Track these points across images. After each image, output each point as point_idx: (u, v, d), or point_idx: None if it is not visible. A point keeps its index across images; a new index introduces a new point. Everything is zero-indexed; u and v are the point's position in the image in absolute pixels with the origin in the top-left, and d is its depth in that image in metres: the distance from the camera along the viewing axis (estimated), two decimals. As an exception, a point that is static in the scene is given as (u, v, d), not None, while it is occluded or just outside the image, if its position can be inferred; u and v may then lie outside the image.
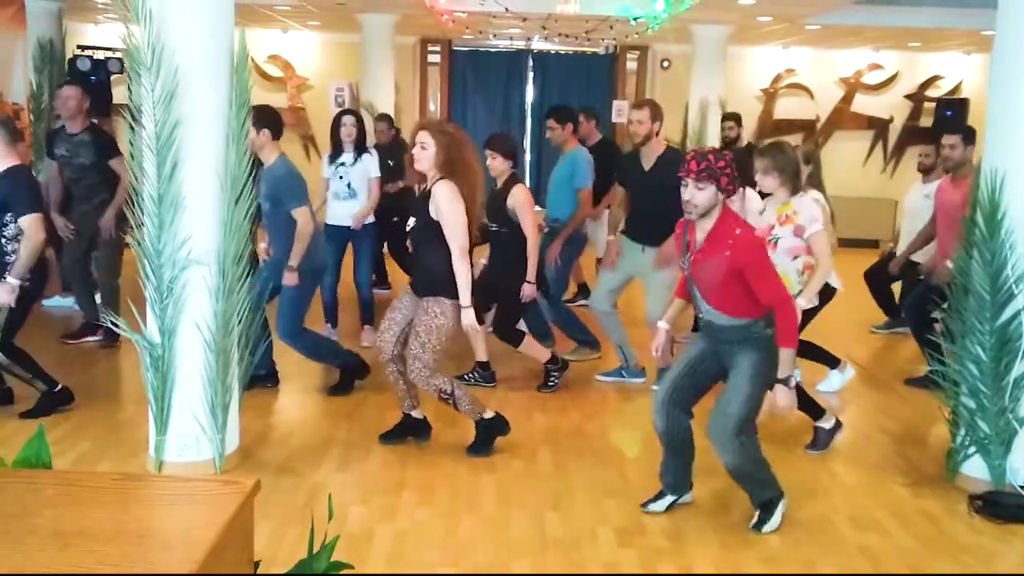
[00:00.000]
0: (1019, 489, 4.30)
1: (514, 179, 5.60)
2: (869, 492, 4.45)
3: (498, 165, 5.53)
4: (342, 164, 6.45)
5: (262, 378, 5.53)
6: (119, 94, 10.90)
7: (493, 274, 5.70)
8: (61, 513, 1.76)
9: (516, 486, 4.32)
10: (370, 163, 6.48)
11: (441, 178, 4.40)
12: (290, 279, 5.22)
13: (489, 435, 4.72)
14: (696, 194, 3.69)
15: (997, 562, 3.81)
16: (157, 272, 4.10)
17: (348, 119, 6.48)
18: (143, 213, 4.12)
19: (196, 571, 1.51)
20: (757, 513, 3.98)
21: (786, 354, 3.75)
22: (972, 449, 4.44)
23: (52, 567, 1.55)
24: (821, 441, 4.93)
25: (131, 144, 4.11)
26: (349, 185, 6.45)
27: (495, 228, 5.63)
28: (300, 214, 5.21)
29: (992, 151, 4.38)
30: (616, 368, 6.04)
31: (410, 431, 4.83)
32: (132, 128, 4.09)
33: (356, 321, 6.84)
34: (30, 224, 4.73)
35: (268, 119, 5.25)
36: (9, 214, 4.80)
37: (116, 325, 4.25)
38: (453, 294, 4.43)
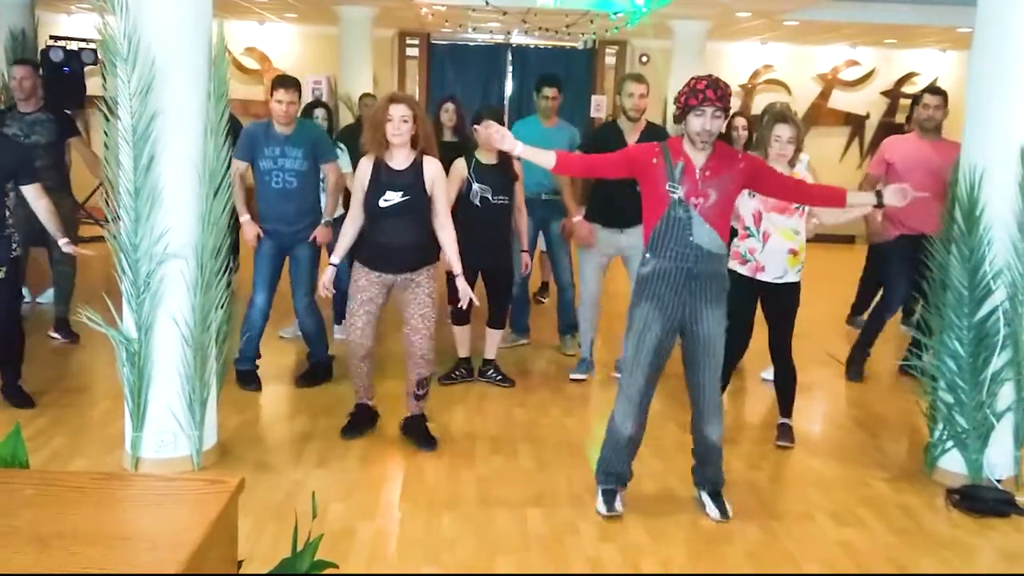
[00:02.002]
0: (996, 483, 4.34)
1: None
2: (848, 486, 4.47)
3: None
4: None
5: (317, 369, 5.64)
6: (92, 85, 10.80)
7: (489, 248, 5.48)
8: (40, 514, 1.71)
9: (497, 482, 4.30)
10: (341, 158, 6.41)
11: (422, 152, 4.49)
12: (326, 235, 5.39)
13: (426, 428, 4.76)
14: (714, 123, 3.72)
15: (975, 556, 3.84)
16: (134, 266, 4.05)
17: (319, 112, 6.44)
18: (119, 206, 4.06)
19: (181, 571, 1.48)
20: (712, 500, 4.00)
21: (855, 198, 4.07)
22: (950, 444, 4.47)
23: (33, 570, 1.51)
24: (789, 435, 4.96)
25: (106, 136, 4.05)
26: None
27: (502, 201, 5.46)
28: (332, 169, 5.52)
29: (970, 147, 4.41)
30: (583, 362, 6.03)
31: (367, 421, 4.84)
32: (107, 120, 4.03)
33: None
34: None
35: (299, 86, 5.46)
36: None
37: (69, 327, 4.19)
38: (435, 260, 4.62)
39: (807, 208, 4.71)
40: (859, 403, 5.82)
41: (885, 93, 13.31)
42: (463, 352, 5.81)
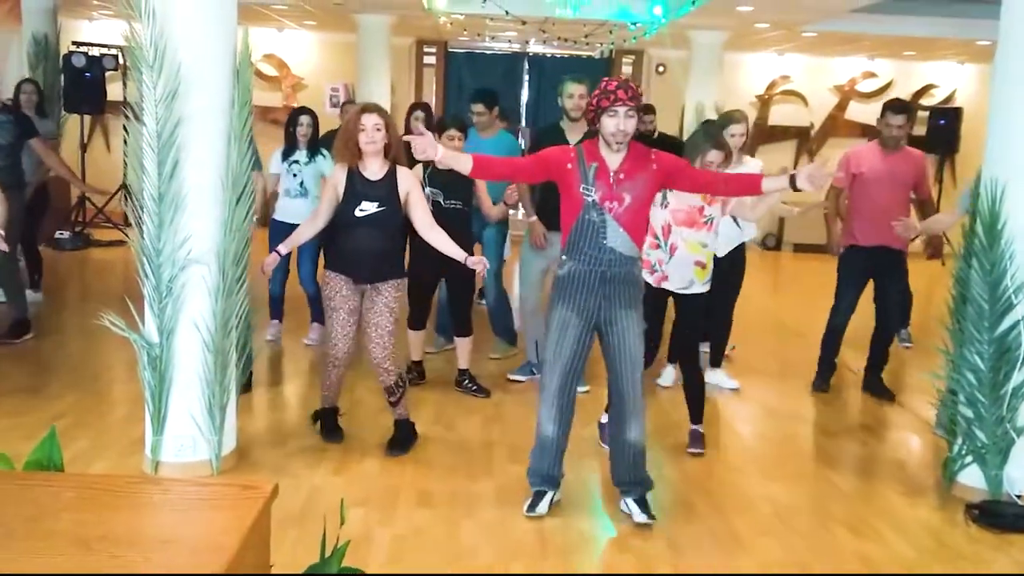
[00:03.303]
0: (1016, 499, 4.31)
1: None
2: (865, 500, 4.46)
3: (460, 147, 5.42)
4: (295, 162, 6.44)
5: None
6: (113, 91, 10.89)
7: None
8: (81, 517, 1.73)
9: (514, 491, 4.30)
10: (324, 165, 6.46)
11: (394, 161, 4.53)
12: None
13: (411, 435, 4.79)
14: (628, 122, 3.73)
15: (994, 571, 3.82)
16: (156, 271, 4.08)
17: (305, 119, 6.47)
18: (143, 211, 4.09)
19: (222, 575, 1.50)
20: (636, 504, 3.98)
21: (769, 183, 3.95)
22: (969, 458, 4.45)
23: (75, 572, 1.52)
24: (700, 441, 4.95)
25: (125, 143, 4.09)
26: (302, 183, 6.44)
27: (454, 205, 5.45)
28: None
29: (992, 161, 4.39)
30: (526, 364, 6.05)
31: (336, 418, 4.89)
32: (125, 125, 4.06)
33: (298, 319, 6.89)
34: None
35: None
36: None
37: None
38: (402, 274, 4.73)
39: (720, 209, 4.77)
40: (876, 416, 5.80)
41: (902, 105, 13.28)
42: (415, 355, 5.85)
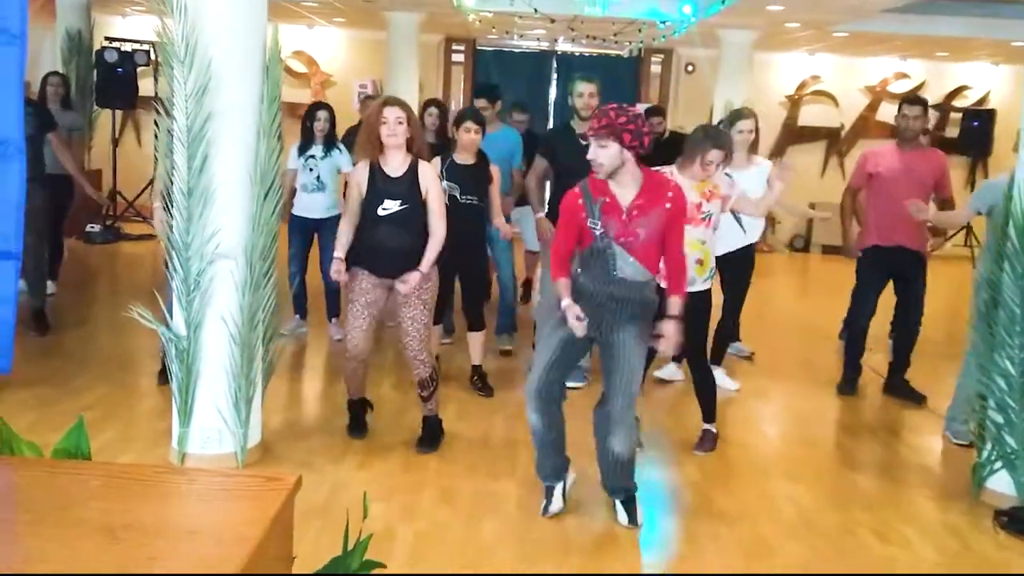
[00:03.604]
0: (1046, 506, 4.26)
1: (483, 154, 5.57)
2: (892, 504, 4.42)
3: (478, 139, 5.46)
4: (312, 156, 6.48)
5: None
6: (145, 86, 10.99)
7: (462, 248, 5.36)
8: (108, 506, 1.75)
9: (537, 490, 4.29)
10: (340, 159, 6.51)
11: (415, 156, 4.51)
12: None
13: (440, 432, 4.79)
14: (599, 152, 3.68)
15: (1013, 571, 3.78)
16: (185, 265, 4.11)
17: (322, 114, 6.52)
18: (172, 206, 4.13)
19: (242, 567, 1.50)
20: (623, 508, 3.97)
21: (677, 300, 3.89)
22: (998, 464, 4.40)
23: (102, 560, 1.53)
24: (708, 442, 4.92)
25: (156, 136, 4.12)
26: (319, 178, 6.48)
27: (470, 201, 5.46)
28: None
29: (1026, 163, 4.34)
30: (579, 370, 5.96)
31: (365, 413, 4.91)
32: (156, 121, 4.10)
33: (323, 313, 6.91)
34: None
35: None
36: None
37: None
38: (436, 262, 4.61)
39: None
40: (902, 420, 5.75)
41: (935, 106, 13.12)
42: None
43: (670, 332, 3.84)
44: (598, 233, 3.77)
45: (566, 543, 3.78)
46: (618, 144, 3.66)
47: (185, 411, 4.23)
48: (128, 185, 11.33)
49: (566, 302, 3.82)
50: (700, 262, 4.70)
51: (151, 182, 10.73)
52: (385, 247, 4.50)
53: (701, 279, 4.75)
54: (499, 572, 3.52)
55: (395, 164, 4.49)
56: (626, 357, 3.83)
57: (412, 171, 4.50)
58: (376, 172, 4.49)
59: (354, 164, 4.73)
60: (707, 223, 4.68)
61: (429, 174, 4.55)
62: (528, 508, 4.09)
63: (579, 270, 3.90)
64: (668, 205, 3.77)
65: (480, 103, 6.45)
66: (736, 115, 5.78)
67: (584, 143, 5.45)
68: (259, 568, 1.58)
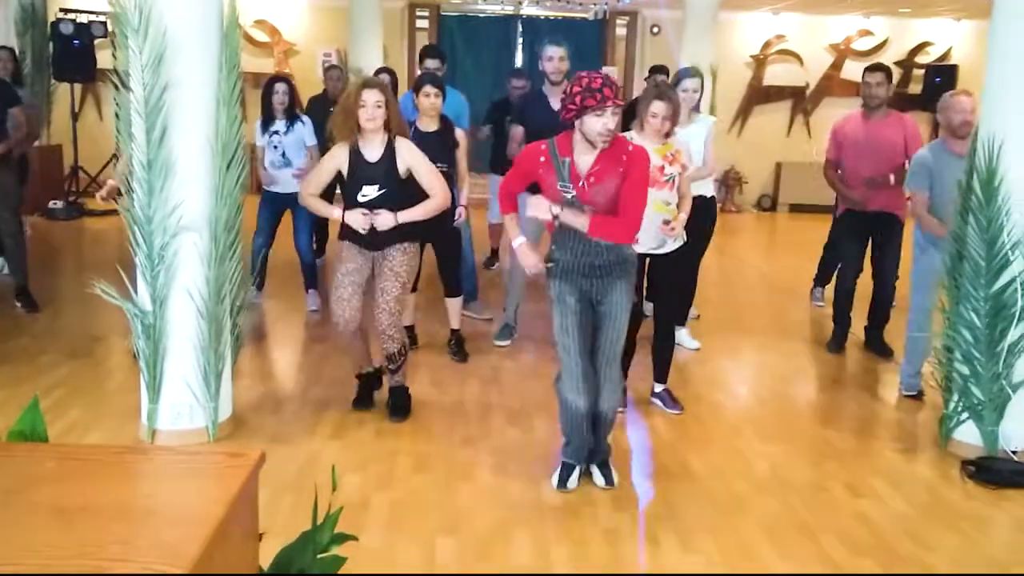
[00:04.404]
0: (1012, 455, 4.33)
1: (446, 118, 5.52)
2: (863, 458, 4.47)
3: (439, 103, 5.39)
4: (275, 132, 6.40)
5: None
6: (104, 59, 10.77)
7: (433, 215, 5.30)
8: (63, 489, 1.71)
9: (512, 454, 4.31)
10: (304, 131, 6.43)
11: (393, 135, 4.46)
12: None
13: (407, 400, 4.77)
14: (614, 120, 3.66)
15: (991, 527, 3.84)
16: (148, 239, 4.05)
17: (280, 86, 6.42)
18: (132, 179, 4.05)
19: (204, 547, 1.47)
20: (599, 470, 4.01)
21: (595, 227, 3.73)
22: (965, 415, 4.46)
23: (56, 545, 1.50)
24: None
25: (118, 108, 4.04)
26: (284, 154, 6.41)
27: (440, 168, 5.17)
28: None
29: (989, 117, 4.35)
30: (505, 327, 6.04)
31: (373, 386, 4.88)
32: (117, 92, 4.01)
33: (298, 286, 6.88)
34: None
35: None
36: None
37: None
38: (412, 237, 4.57)
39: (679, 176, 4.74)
40: (872, 374, 5.81)
41: (898, 63, 13.15)
42: (407, 320, 5.75)
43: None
44: (569, 197, 3.75)
45: (541, 507, 3.79)
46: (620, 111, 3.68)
47: (154, 387, 4.18)
48: (90, 160, 11.14)
49: (517, 242, 3.91)
50: (667, 222, 4.68)
51: (114, 156, 10.56)
52: (369, 231, 4.44)
53: (671, 239, 4.74)
54: (474, 539, 3.52)
55: (372, 147, 4.44)
56: (616, 316, 3.87)
57: (389, 153, 4.44)
58: (354, 156, 4.43)
59: (327, 145, 4.62)
60: (671, 185, 4.66)
61: (406, 149, 4.49)
62: (504, 472, 4.09)
63: (554, 247, 3.88)
64: (621, 169, 3.74)
65: (434, 63, 6.38)
66: (683, 73, 5.75)
67: (556, 109, 5.46)
68: (223, 548, 1.55)
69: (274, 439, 4.37)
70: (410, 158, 4.49)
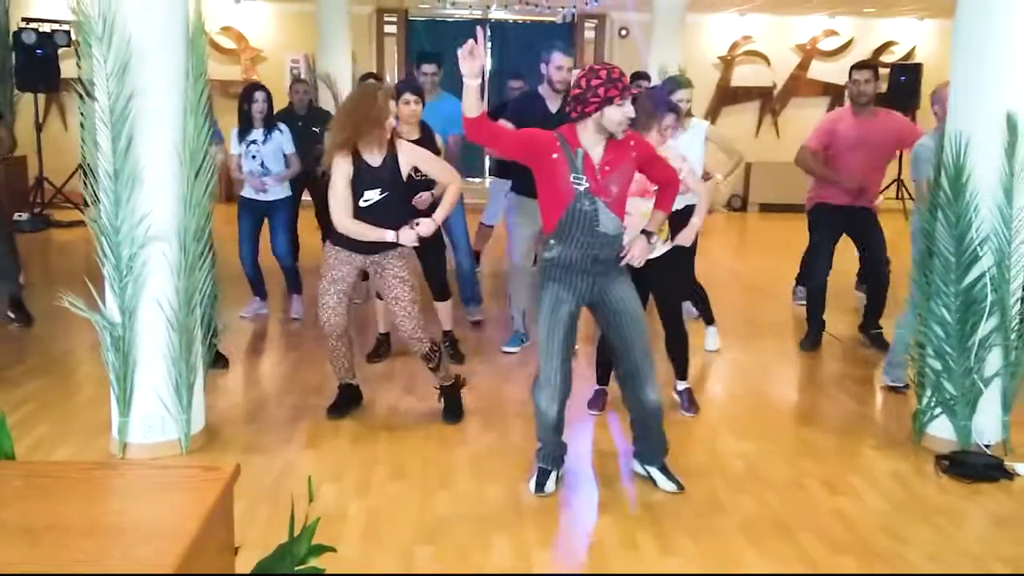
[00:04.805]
0: (985, 449, 4.36)
1: (426, 125, 5.51)
2: (839, 455, 4.49)
3: (419, 110, 5.37)
4: (253, 142, 6.33)
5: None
6: (68, 68, 10.63)
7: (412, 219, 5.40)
8: (30, 507, 1.66)
9: (489, 459, 4.29)
10: (282, 140, 6.38)
11: (392, 137, 4.46)
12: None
13: (457, 397, 4.77)
14: (631, 109, 3.70)
15: (966, 521, 3.86)
16: (115, 250, 3.99)
17: (260, 95, 6.32)
18: (98, 189, 3.99)
19: (179, 563, 1.43)
20: (662, 474, 4.02)
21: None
22: (938, 410, 4.49)
23: (24, 565, 1.45)
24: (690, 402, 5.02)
25: (83, 118, 3.98)
26: (262, 164, 6.34)
27: (420, 176, 5.19)
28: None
29: (956, 114, 4.39)
30: (516, 335, 6.03)
31: (351, 401, 4.83)
32: (83, 102, 3.95)
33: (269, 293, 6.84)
34: None
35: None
36: None
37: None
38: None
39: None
40: (845, 371, 5.84)
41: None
42: (383, 327, 5.82)
43: (639, 243, 3.89)
44: (582, 189, 3.71)
45: (519, 512, 3.77)
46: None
47: (124, 400, 4.12)
48: (55, 171, 10.99)
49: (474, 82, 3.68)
50: (649, 234, 4.69)
51: (79, 167, 10.43)
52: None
53: (662, 241, 4.74)
54: (453, 545, 3.50)
55: (374, 152, 4.41)
56: (630, 310, 3.87)
57: (392, 155, 4.43)
58: (357, 163, 4.39)
59: (320, 158, 4.54)
60: (651, 193, 4.66)
61: (407, 149, 4.50)
62: (481, 478, 4.07)
63: (553, 243, 3.82)
64: (633, 154, 3.80)
65: (430, 68, 6.35)
66: (675, 84, 5.71)
67: (553, 112, 5.46)
68: (198, 563, 1.51)
69: (249, 449, 4.32)
70: (413, 157, 4.50)
